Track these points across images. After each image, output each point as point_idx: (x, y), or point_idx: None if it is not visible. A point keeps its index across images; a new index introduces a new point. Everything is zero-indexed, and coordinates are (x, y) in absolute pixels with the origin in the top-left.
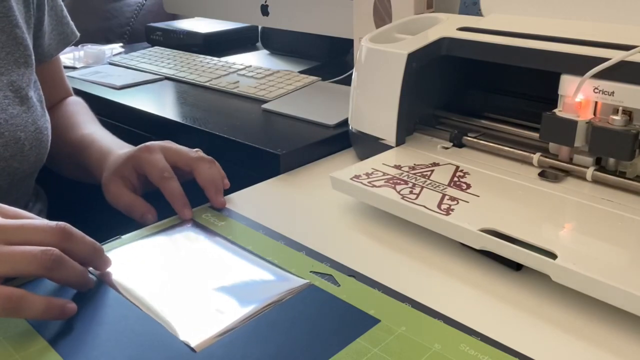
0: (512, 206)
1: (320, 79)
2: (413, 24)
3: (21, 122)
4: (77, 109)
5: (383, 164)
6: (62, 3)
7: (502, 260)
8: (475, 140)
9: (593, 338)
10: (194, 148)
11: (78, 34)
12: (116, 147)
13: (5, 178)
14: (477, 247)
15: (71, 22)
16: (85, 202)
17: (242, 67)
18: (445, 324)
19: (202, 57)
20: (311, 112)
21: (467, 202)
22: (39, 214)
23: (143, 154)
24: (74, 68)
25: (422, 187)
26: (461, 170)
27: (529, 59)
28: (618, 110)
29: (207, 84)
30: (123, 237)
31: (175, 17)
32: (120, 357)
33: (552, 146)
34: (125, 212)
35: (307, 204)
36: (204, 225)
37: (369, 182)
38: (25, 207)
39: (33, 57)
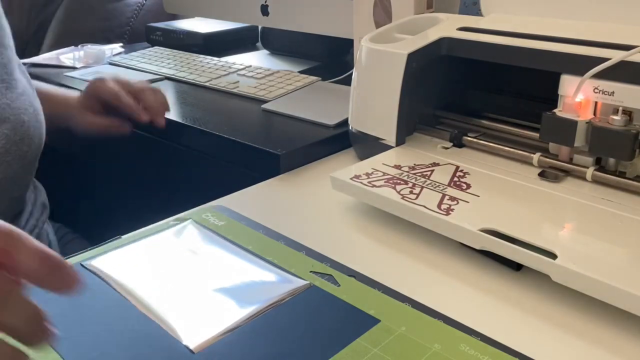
0: (512, 206)
1: (320, 79)
2: (413, 24)
3: (22, 105)
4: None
5: (383, 164)
6: None
7: (502, 260)
8: (475, 140)
9: (593, 338)
10: (194, 148)
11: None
12: (70, 93)
13: (18, 162)
14: (477, 247)
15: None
16: (84, 202)
17: (242, 67)
18: (445, 324)
19: (202, 57)
20: (311, 112)
21: (467, 202)
22: (43, 208)
23: (99, 82)
24: (74, 68)
25: (422, 187)
26: (461, 170)
27: (529, 59)
28: (618, 110)
29: (207, 84)
30: (123, 237)
31: (175, 17)
32: (120, 357)
33: (552, 146)
34: (102, 134)
35: (307, 204)
36: (204, 225)
37: (369, 182)
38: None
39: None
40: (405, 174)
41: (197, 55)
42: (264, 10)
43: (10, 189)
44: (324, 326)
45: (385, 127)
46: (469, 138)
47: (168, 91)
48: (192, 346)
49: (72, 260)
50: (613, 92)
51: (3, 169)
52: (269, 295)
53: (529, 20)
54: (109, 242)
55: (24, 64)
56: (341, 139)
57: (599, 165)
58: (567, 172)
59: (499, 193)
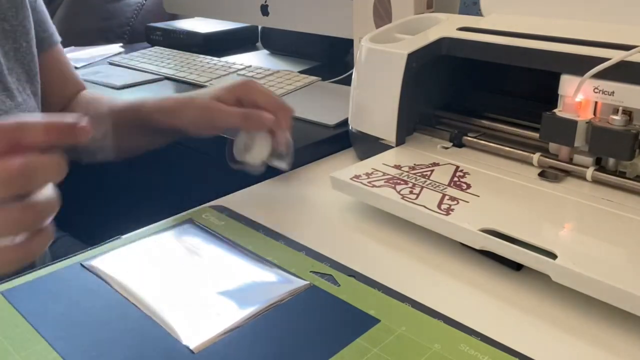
0: (512, 206)
1: (320, 79)
2: (413, 24)
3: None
4: (97, 96)
5: (383, 164)
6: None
7: (502, 260)
8: (475, 140)
9: (593, 338)
10: (194, 148)
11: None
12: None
13: None
14: (477, 247)
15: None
16: (84, 202)
17: (242, 67)
18: (445, 324)
19: (202, 57)
20: (311, 112)
21: (467, 202)
22: None
23: (251, 84)
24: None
25: (422, 187)
26: (461, 170)
27: (529, 59)
28: (618, 110)
29: (207, 84)
30: (123, 237)
31: (175, 17)
32: (120, 357)
33: (552, 146)
34: (239, 125)
35: (307, 204)
36: (204, 225)
37: (369, 182)
38: None
39: (22, 51)
40: (405, 174)
41: (197, 55)
42: (264, 10)
43: None
44: (324, 326)
45: (385, 127)
46: (469, 138)
47: (168, 91)
48: (192, 346)
49: (72, 260)
50: (613, 92)
51: None
52: (269, 296)
53: (529, 20)
54: (109, 242)
55: None
56: (341, 139)
57: (599, 165)
58: (567, 172)
59: (499, 193)
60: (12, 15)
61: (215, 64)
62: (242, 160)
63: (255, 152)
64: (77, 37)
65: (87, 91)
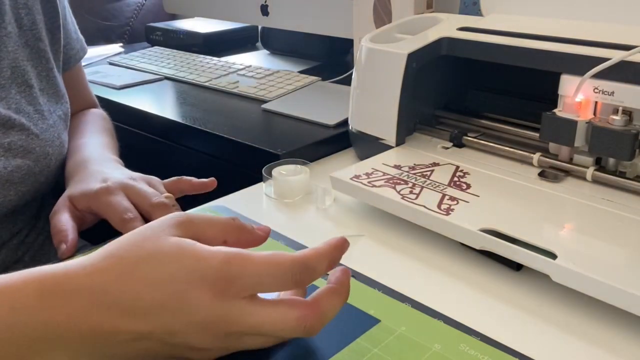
0: (512, 206)
1: (320, 79)
2: (413, 24)
3: (49, 136)
4: (90, 118)
5: (383, 164)
6: (73, 19)
7: (502, 260)
8: (475, 140)
9: (593, 338)
10: (194, 148)
11: (87, 49)
12: (93, 160)
13: (33, 194)
14: (477, 247)
15: (81, 37)
16: None
17: (242, 67)
18: (445, 324)
19: (202, 57)
20: (311, 112)
21: (467, 202)
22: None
23: (102, 196)
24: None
25: (422, 187)
26: (461, 170)
27: (529, 59)
28: (618, 110)
29: (207, 84)
30: None
31: (175, 17)
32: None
33: (552, 146)
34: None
35: (308, 204)
36: None
37: (369, 182)
38: (41, 207)
39: (55, 71)
40: (405, 174)
41: (197, 55)
42: (264, 10)
43: (15, 216)
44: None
45: (385, 127)
46: (469, 138)
47: (168, 91)
48: None
49: None
50: (613, 92)
51: (14, 197)
52: (268, 295)
53: (529, 20)
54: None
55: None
56: (341, 139)
57: (599, 165)
58: (567, 172)
59: (499, 193)
60: (48, 36)
61: (215, 64)
62: None
63: None
64: None
65: (91, 110)
